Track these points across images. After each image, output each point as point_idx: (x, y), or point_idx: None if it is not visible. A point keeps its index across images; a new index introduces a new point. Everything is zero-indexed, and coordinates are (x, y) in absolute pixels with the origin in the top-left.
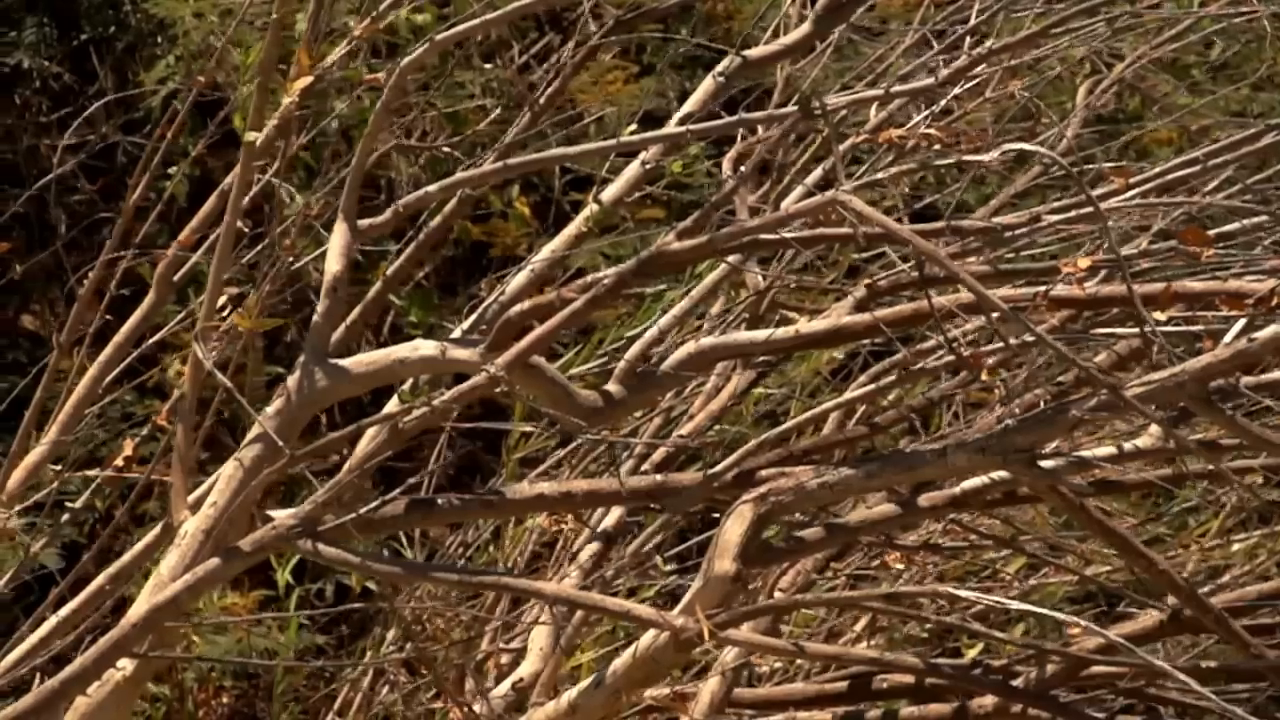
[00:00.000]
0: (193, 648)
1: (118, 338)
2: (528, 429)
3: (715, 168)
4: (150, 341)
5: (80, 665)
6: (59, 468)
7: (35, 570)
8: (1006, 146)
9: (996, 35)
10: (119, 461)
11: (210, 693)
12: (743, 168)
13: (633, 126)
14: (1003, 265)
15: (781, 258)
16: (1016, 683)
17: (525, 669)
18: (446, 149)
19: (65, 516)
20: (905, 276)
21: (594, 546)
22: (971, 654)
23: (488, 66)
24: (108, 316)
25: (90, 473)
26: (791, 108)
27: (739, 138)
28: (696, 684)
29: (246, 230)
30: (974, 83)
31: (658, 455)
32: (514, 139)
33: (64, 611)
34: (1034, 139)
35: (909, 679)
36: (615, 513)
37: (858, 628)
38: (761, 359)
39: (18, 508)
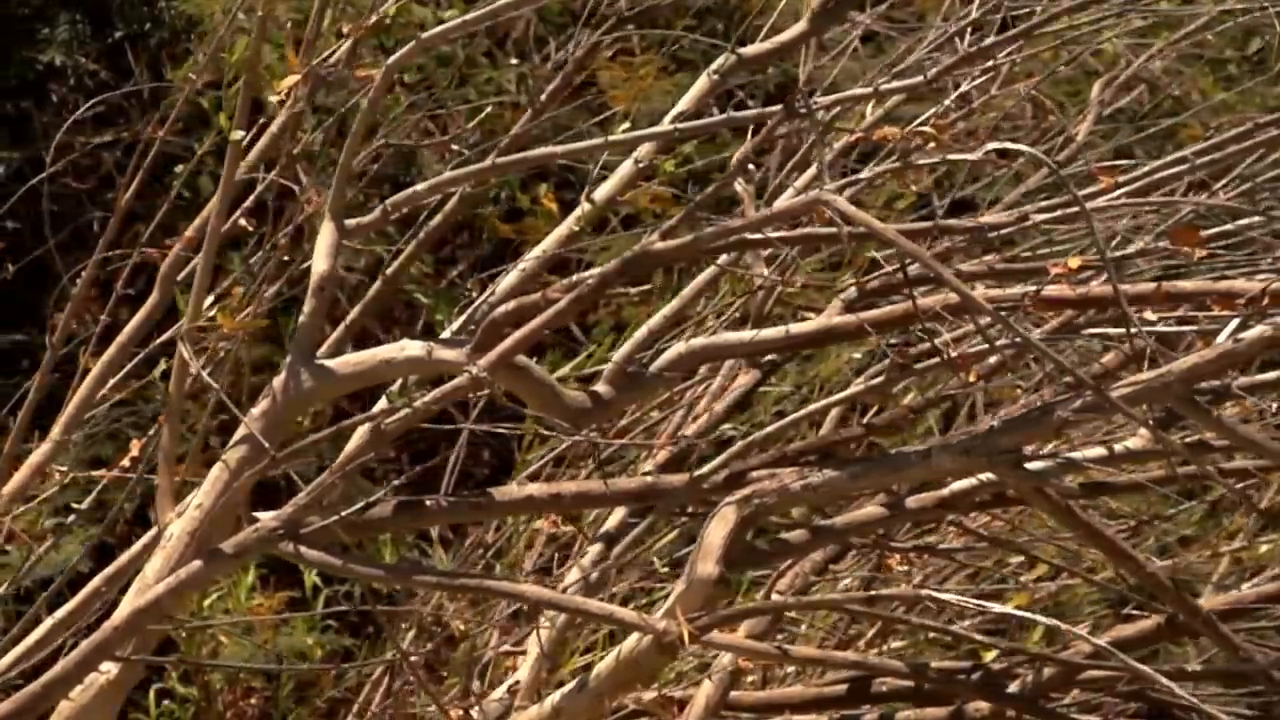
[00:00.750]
0: (220, 649)
1: (121, 338)
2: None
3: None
4: (158, 341)
5: (62, 668)
6: (64, 468)
7: (63, 572)
8: (991, 145)
9: (995, 30)
10: (125, 462)
11: (238, 694)
12: (742, 165)
13: (626, 125)
14: (1005, 264)
15: (792, 256)
16: (1014, 687)
17: (523, 672)
18: (455, 146)
19: (71, 518)
20: (897, 277)
21: (596, 548)
22: (989, 657)
23: (514, 62)
24: (103, 317)
25: (96, 473)
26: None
27: (749, 135)
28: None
29: (251, 229)
30: (983, 79)
31: (662, 456)
32: (518, 134)
33: (60, 613)
34: (1050, 135)
35: (908, 682)
36: (618, 514)
37: (870, 632)
38: (767, 359)
39: (20, 509)
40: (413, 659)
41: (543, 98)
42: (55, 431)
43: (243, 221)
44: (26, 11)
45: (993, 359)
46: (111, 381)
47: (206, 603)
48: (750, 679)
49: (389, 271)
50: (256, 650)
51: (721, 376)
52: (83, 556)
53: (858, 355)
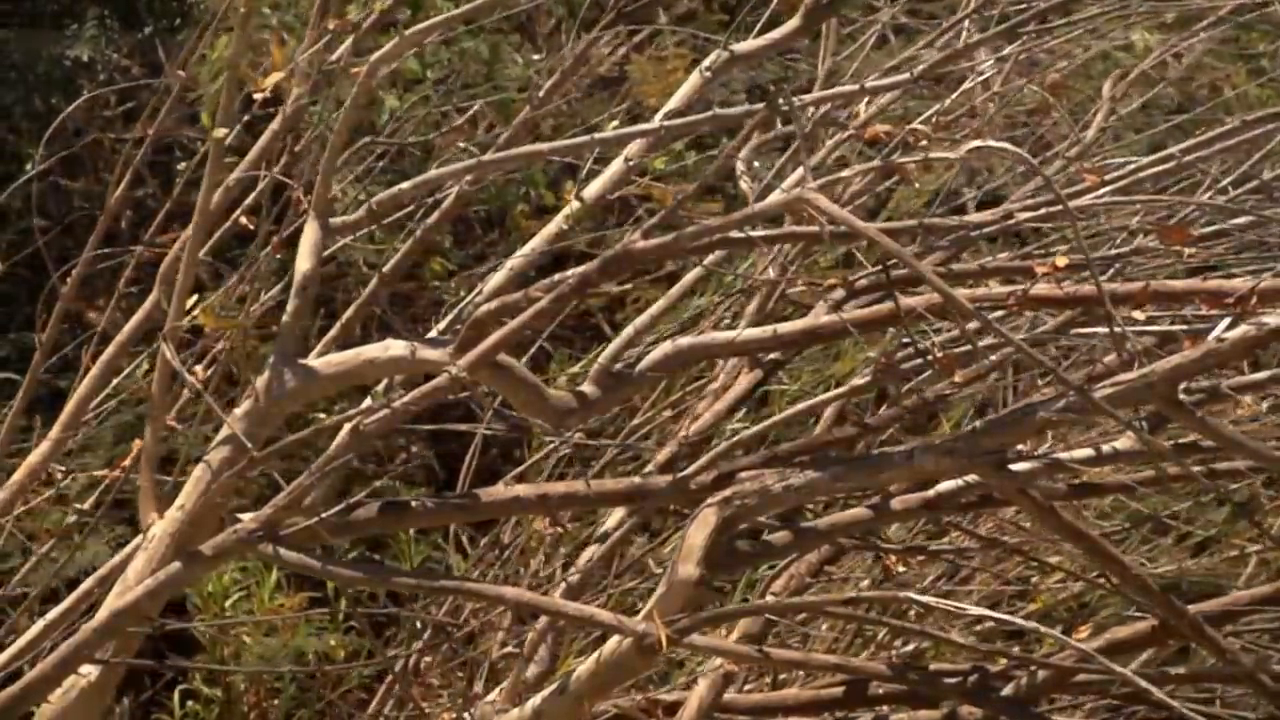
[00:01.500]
0: (244, 649)
1: (120, 337)
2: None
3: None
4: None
5: (41, 671)
6: (63, 468)
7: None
8: (974, 144)
9: (993, 24)
10: (127, 462)
11: (261, 694)
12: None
13: (615, 122)
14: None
15: (794, 254)
16: (1009, 689)
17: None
18: (460, 143)
19: (71, 518)
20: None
21: (593, 549)
22: (1002, 661)
23: (536, 58)
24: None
25: (99, 473)
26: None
27: (756, 132)
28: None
29: (251, 227)
30: (989, 75)
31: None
32: (517, 131)
33: (52, 615)
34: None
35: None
36: (617, 514)
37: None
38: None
39: (19, 510)
40: (399, 662)
41: (540, 93)
42: (54, 431)
43: (244, 220)
44: (55, 7)
45: (992, 358)
46: (115, 381)
47: (229, 603)
48: (766, 680)
49: (386, 269)
50: (279, 651)
51: (725, 375)
52: (70, 558)
53: (873, 354)
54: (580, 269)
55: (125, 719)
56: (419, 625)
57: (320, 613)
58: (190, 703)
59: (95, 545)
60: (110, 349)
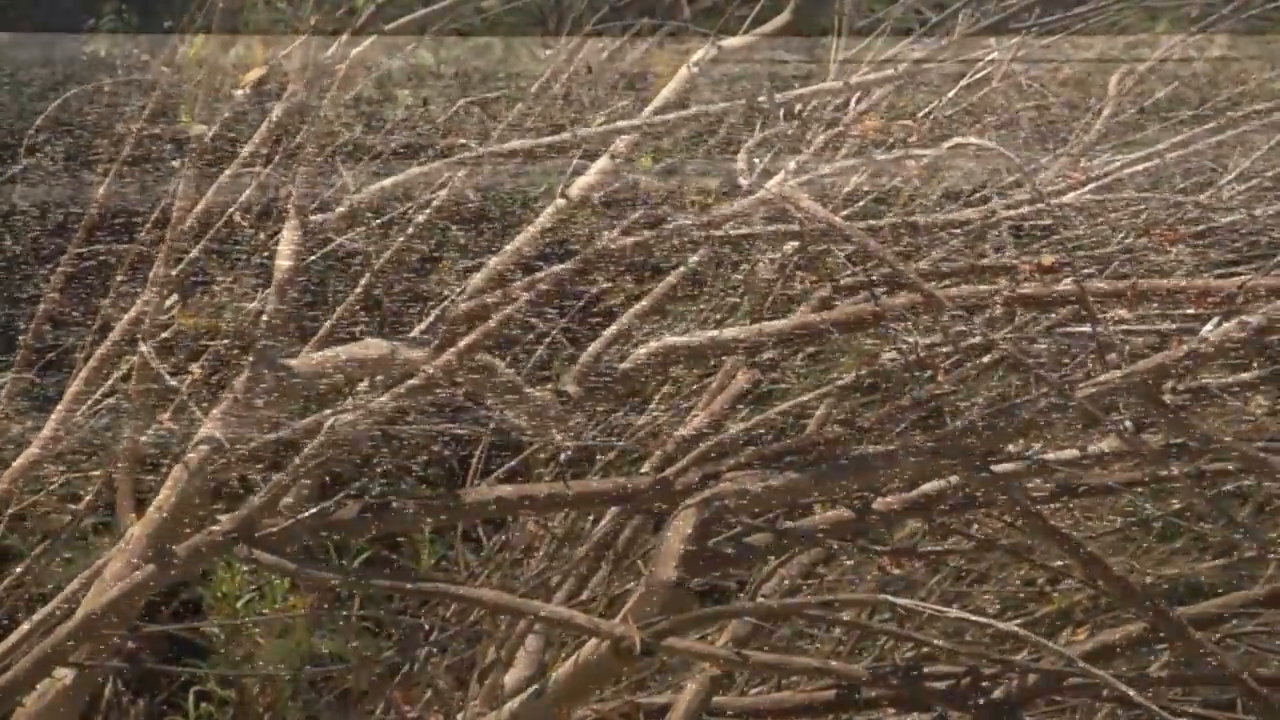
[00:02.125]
0: (256, 649)
1: (114, 334)
2: None
3: None
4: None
5: (14, 674)
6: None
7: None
8: (957, 141)
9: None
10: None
11: (273, 696)
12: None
13: (601, 119)
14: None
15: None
16: (997, 694)
17: (510, 677)
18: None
19: (69, 519)
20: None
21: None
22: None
23: (548, 53)
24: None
25: (94, 473)
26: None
27: (759, 129)
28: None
29: (246, 225)
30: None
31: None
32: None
33: (38, 616)
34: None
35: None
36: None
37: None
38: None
39: (13, 510)
40: (404, 666)
41: (534, 89)
42: (48, 429)
43: (238, 218)
44: (71, 3)
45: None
46: (112, 381)
47: (241, 604)
48: (770, 682)
49: (379, 265)
50: (290, 652)
51: (723, 375)
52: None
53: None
54: (554, 269)
55: None
56: (425, 627)
57: (329, 614)
58: (204, 704)
59: (106, 544)
60: (102, 348)
